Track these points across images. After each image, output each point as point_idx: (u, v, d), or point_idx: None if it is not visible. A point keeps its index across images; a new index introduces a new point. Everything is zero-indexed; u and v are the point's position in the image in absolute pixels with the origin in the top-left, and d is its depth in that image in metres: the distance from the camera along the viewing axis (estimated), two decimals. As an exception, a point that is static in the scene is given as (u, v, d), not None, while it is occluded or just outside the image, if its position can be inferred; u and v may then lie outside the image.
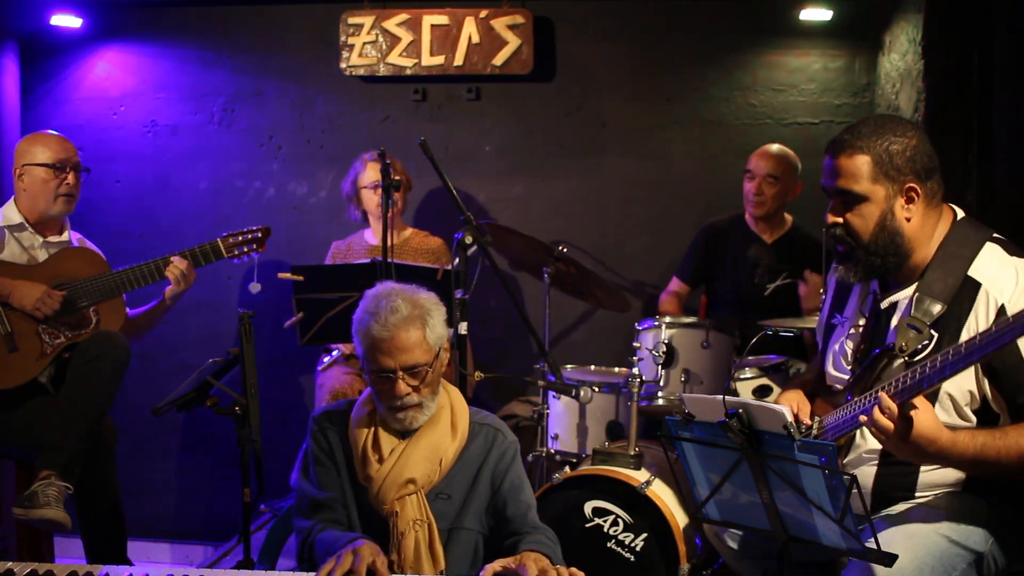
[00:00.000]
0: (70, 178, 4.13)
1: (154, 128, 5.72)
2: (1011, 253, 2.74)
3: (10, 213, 4.13)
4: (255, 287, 4.33)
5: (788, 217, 4.97)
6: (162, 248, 4.19)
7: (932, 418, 2.48)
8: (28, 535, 4.16)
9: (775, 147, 4.86)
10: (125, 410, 4.12)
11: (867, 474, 2.84)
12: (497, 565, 2.70)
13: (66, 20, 5.55)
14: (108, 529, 4.09)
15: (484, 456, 3.01)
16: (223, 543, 5.37)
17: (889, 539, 2.65)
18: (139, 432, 5.38)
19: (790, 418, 2.46)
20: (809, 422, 2.97)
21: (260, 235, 4.31)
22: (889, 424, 2.51)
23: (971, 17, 4.47)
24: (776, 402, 3.02)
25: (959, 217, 2.85)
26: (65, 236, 4.24)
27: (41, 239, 4.15)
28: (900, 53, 4.93)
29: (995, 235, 2.80)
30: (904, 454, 2.58)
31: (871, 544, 2.43)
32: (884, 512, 2.82)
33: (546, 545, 2.86)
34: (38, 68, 5.73)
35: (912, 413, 2.46)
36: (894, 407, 2.44)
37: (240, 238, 4.28)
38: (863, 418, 2.60)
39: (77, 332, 4.01)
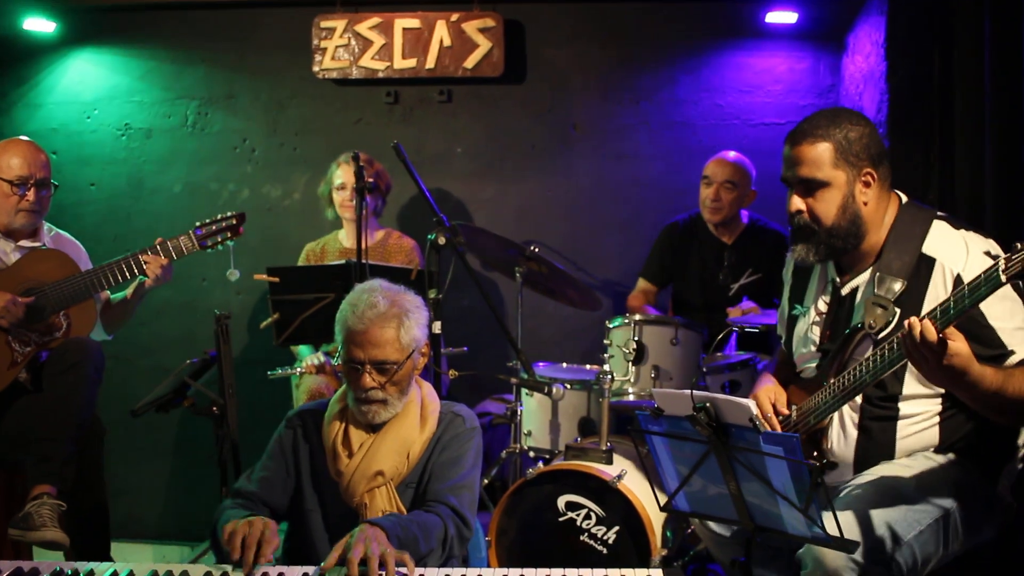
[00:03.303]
0: (30, 195, 4.08)
1: (128, 131, 5.76)
2: (956, 227, 2.88)
3: None
4: (232, 274, 4.26)
5: (744, 214, 5.05)
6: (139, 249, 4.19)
7: (966, 347, 2.52)
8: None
9: (731, 154, 4.96)
10: (102, 412, 4.14)
11: (847, 446, 2.96)
12: (336, 550, 2.66)
13: (39, 24, 5.58)
14: (95, 528, 4.12)
15: (438, 439, 3.07)
16: (200, 543, 5.41)
17: (861, 495, 2.78)
18: (116, 434, 5.38)
19: (755, 411, 2.53)
20: (786, 411, 3.07)
21: (235, 222, 4.28)
22: (927, 346, 2.51)
23: (933, 19, 4.55)
24: (754, 394, 3.16)
25: (904, 201, 2.99)
26: (39, 241, 4.21)
27: (13, 244, 4.13)
28: (863, 55, 5.03)
29: (939, 213, 2.94)
30: (938, 379, 2.63)
31: (834, 531, 2.51)
32: (861, 474, 2.93)
33: (398, 523, 2.78)
34: (11, 73, 5.75)
35: (949, 340, 2.49)
36: (933, 332, 2.48)
37: (214, 227, 4.24)
38: (909, 329, 2.55)
39: (47, 339, 4.01)
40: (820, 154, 2.89)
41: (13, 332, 3.94)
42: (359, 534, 2.67)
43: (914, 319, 2.52)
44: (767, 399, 3.12)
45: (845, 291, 3.01)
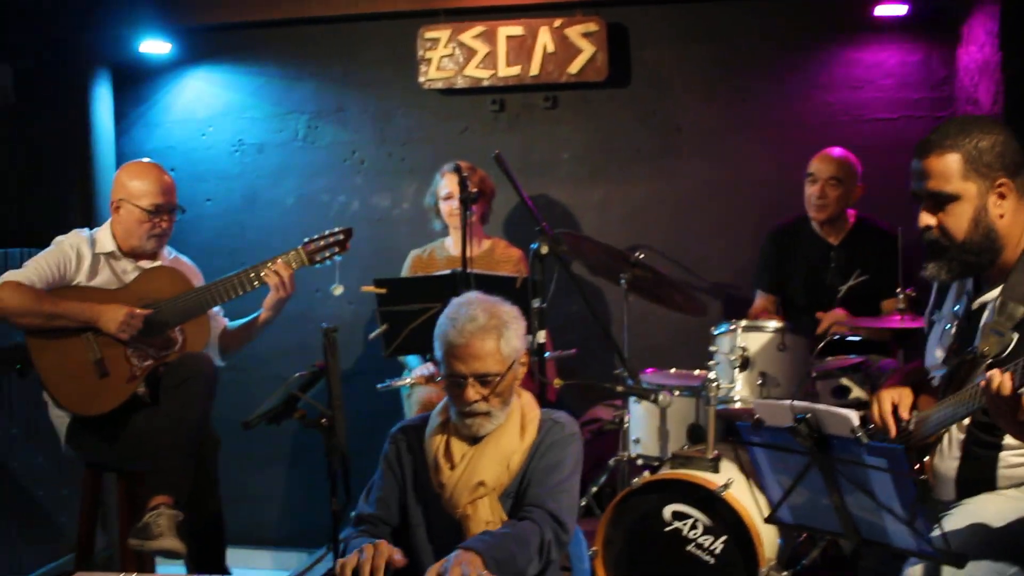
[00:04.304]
0: (164, 222, 4.22)
1: (241, 147, 5.91)
2: None
3: (104, 239, 4.22)
4: (337, 288, 4.32)
5: (851, 212, 4.94)
6: (253, 263, 4.29)
7: None
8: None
9: (836, 150, 4.85)
10: (218, 422, 4.25)
11: (950, 467, 2.86)
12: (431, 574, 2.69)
13: (155, 46, 5.76)
14: (209, 537, 4.22)
15: (538, 446, 3.07)
16: (318, 549, 5.51)
17: (960, 524, 2.68)
18: (233, 442, 5.51)
19: (856, 422, 2.48)
20: (907, 416, 2.98)
21: (342, 237, 4.34)
22: (1004, 401, 2.43)
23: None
24: (880, 395, 3.05)
25: None
26: (158, 262, 4.32)
27: (134, 263, 4.26)
28: (977, 45, 4.87)
29: None
30: (1013, 433, 2.53)
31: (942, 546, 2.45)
32: (964, 501, 2.82)
33: (493, 543, 2.79)
34: (130, 94, 5.94)
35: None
36: (1009, 387, 2.39)
37: (322, 243, 4.32)
38: (982, 384, 2.50)
39: (164, 353, 4.13)
40: (948, 166, 2.76)
41: (132, 346, 4.08)
42: (454, 559, 2.70)
43: (994, 372, 2.41)
44: (889, 399, 3.02)
45: (975, 306, 2.88)
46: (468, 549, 2.75)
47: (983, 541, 2.66)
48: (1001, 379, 2.39)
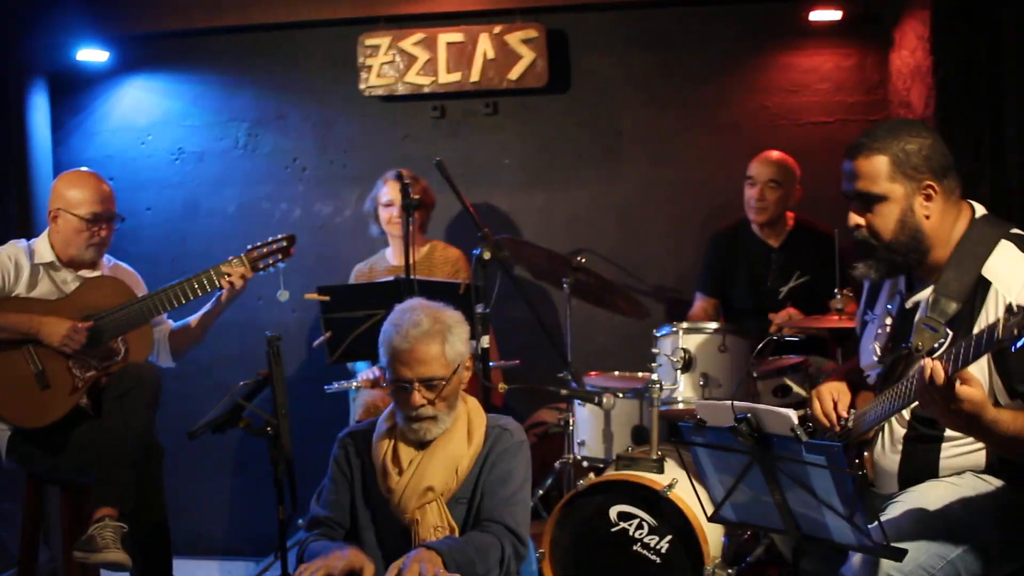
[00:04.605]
0: (102, 231, 4.19)
1: (181, 155, 5.87)
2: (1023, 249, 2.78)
3: (43, 250, 4.18)
4: (283, 295, 4.32)
5: (790, 215, 5.01)
6: (195, 272, 4.26)
7: (979, 392, 2.47)
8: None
9: (775, 153, 4.92)
10: (162, 432, 4.22)
11: (892, 460, 2.93)
12: (391, 572, 2.77)
13: (93, 54, 5.71)
14: (155, 548, 4.18)
15: (487, 455, 3.10)
16: (265, 558, 5.49)
17: (903, 512, 2.75)
18: (177, 452, 5.48)
19: (796, 421, 2.53)
20: (846, 414, 3.05)
21: (285, 244, 4.34)
22: (937, 390, 2.47)
23: (978, 11, 4.50)
24: (817, 389, 3.14)
25: (977, 215, 2.90)
26: (98, 271, 4.29)
27: (74, 273, 4.21)
28: (909, 49, 4.97)
29: (1013, 231, 2.84)
30: (950, 423, 2.59)
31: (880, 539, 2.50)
32: (906, 490, 2.88)
33: (454, 546, 2.87)
34: (67, 102, 5.89)
35: (959, 385, 2.45)
36: (942, 374, 2.44)
37: (265, 250, 4.32)
38: (921, 369, 2.53)
39: (106, 363, 4.09)
40: (876, 167, 2.84)
41: (74, 357, 4.04)
42: (414, 556, 2.73)
43: (927, 360, 2.48)
44: (829, 396, 3.09)
45: (909, 305, 2.95)
46: (429, 548, 2.80)
47: (926, 525, 2.73)
48: (933, 366, 2.44)
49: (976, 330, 2.66)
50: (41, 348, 4.01)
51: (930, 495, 2.81)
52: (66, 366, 4.04)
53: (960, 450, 2.84)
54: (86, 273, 4.25)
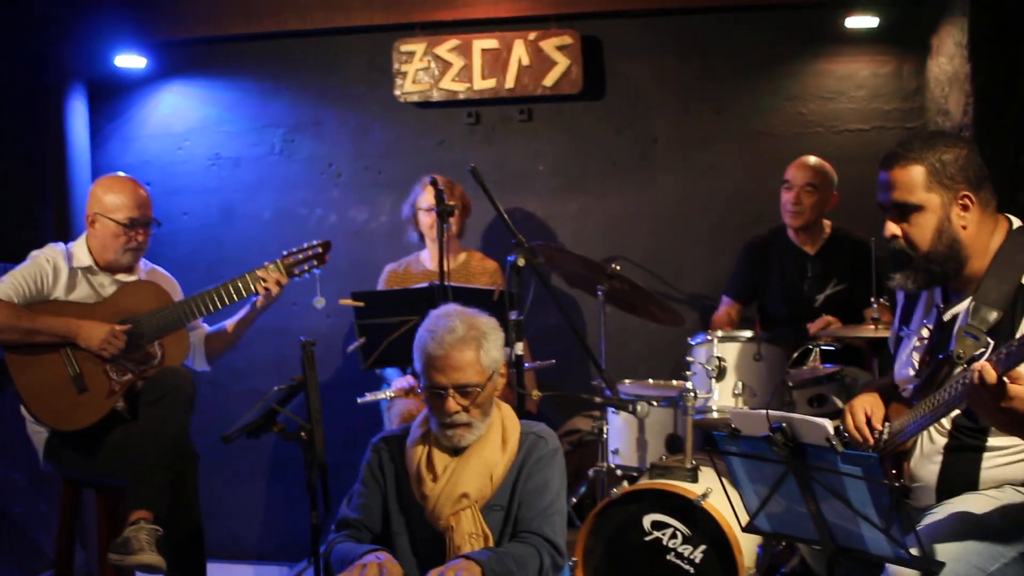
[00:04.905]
0: (139, 236, 4.22)
1: (218, 161, 5.91)
2: None
3: (80, 254, 4.21)
4: (319, 301, 4.33)
5: (827, 223, 4.98)
6: (230, 277, 4.29)
7: None
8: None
9: (812, 158, 4.89)
10: (196, 436, 4.24)
11: (931, 471, 2.90)
12: None
13: (131, 60, 5.76)
14: (189, 552, 4.20)
15: (523, 462, 3.10)
16: (299, 563, 5.51)
17: (941, 525, 2.72)
18: (212, 456, 5.51)
19: (831, 431, 2.51)
20: (880, 427, 3.02)
21: (320, 250, 4.37)
22: (987, 389, 2.44)
23: (1017, 18, 4.47)
24: (850, 404, 3.11)
25: (1015, 226, 2.89)
26: (135, 275, 4.32)
27: (111, 277, 4.24)
28: (947, 57, 4.93)
29: None
30: (1000, 421, 2.55)
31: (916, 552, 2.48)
32: (945, 502, 2.85)
33: (493, 557, 2.87)
34: (105, 108, 5.95)
35: (1009, 384, 2.42)
36: (992, 373, 2.41)
37: (300, 256, 4.35)
38: (974, 373, 2.49)
39: (143, 367, 4.12)
40: (912, 177, 2.83)
41: (111, 360, 4.07)
42: (453, 565, 2.74)
43: (979, 362, 2.45)
44: (862, 411, 3.07)
45: (947, 317, 2.93)
46: (469, 559, 2.81)
47: (974, 525, 2.70)
48: (983, 366, 2.42)
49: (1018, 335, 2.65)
50: (79, 351, 4.04)
51: (970, 504, 2.79)
52: (103, 369, 4.07)
53: (1002, 460, 2.81)
54: (123, 277, 4.28)
